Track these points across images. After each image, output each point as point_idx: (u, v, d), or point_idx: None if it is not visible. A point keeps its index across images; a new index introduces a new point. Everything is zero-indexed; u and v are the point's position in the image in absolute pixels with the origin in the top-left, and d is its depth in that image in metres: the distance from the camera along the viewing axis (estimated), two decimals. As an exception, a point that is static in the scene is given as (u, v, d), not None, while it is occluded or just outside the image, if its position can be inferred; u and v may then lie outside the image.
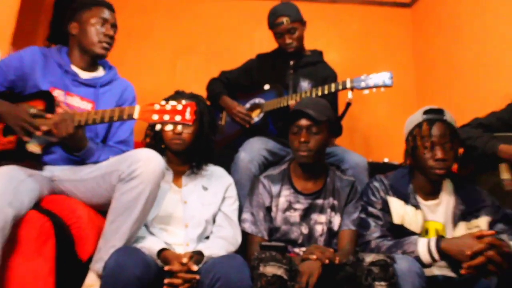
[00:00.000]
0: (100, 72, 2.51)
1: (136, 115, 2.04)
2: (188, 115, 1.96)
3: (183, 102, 1.97)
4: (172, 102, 1.99)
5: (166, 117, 1.97)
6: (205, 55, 4.30)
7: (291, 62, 3.10)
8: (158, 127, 2.01)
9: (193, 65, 4.30)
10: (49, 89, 2.32)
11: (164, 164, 2.10)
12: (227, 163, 2.74)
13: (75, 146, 2.23)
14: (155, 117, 1.98)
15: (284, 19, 3.00)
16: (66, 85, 2.36)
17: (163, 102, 2.00)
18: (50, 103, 2.25)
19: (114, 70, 2.56)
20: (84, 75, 2.44)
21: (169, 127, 1.99)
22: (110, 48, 2.44)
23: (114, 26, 2.45)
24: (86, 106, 2.37)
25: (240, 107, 3.03)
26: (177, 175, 2.46)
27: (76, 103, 2.36)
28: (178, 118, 1.97)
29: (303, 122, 2.40)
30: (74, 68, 2.42)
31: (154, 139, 2.48)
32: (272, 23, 3.05)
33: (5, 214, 1.85)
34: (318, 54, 3.23)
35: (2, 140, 2.21)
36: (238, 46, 4.28)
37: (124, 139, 2.47)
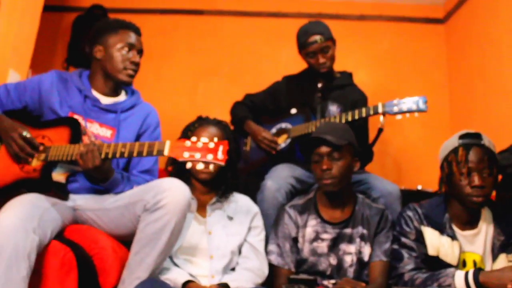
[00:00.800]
0: (122, 97, 2.53)
1: (166, 151, 2.05)
2: (220, 155, 1.97)
3: (215, 139, 2.00)
4: (204, 139, 2.01)
5: (197, 156, 1.98)
6: (228, 77, 4.35)
7: (320, 85, 3.11)
8: (188, 165, 2.01)
9: (215, 87, 4.35)
10: (68, 114, 2.38)
11: (190, 194, 2.14)
12: (253, 192, 2.76)
13: (100, 178, 2.26)
14: (186, 154, 1.99)
15: (318, 38, 3.01)
16: (85, 110, 2.40)
17: (194, 139, 2.01)
18: (76, 131, 2.28)
19: (137, 95, 2.58)
20: (105, 100, 2.47)
21: (200, 166, 1.99)
22: (135, 75, 2.47)
23: (140, 52, 2.48)
24: (106, 133, 2.41)
25: (265, 133, 3.04)
26: (202, 205, 2.49)
27: (95, 129, 2.39)
28: (209, 157, 1.98)
29: (323, 149, 2.43)
30: (95, 93, 2.46)
31: (178, 167, 2.52)
32: (304, 42, 3.04)
33: (32, 239, 1.91)
34: (347, 76, 3.25)
35: (26, 167, 2.26)
36: (263, 67, 4.32)
37: (149, 168, 2.50)
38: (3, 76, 2.98)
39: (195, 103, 4.32)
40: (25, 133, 2.24)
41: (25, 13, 3.17)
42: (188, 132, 2.53)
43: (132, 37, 2.44)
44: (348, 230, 2.47)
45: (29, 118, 2.41)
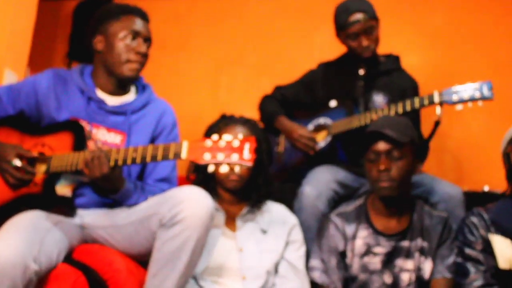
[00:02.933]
0: (131, 95, 2.53)
1: (184, 154, 2.04)
2: (247, 154, 1.95)
3: (240, 136, 1.98)
4: (227, 137, 1.99)
5: (221, 157, 1.97)
6: (255, 67, 4.36)
7: (362, 72, 3.11)
8: (211, 168, 2.00)
9: (240, 79, 4.37)
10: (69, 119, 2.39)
11: (213, 205, 2.13)
12: (289, 200, 2.76)
13: (110, 188, 2.26)
14: (207, 156, 1.98)
15: (360, 16, 2.99)
16: (90, 114, 2.40)
17: (215, 137, 2.00)
18: (80, 136, 2.28)
19: (148, 91, 2.57)
20: (112, 101, 2.47)
21: (224, 169, 1.98)
22: (142, 68, 2.46)
23: (148, 40, 2.46)
24: (115, 139, 2.41)
25: (302, 130, 3.04)
26: (230, 217, 2.51)
27: (102, 135, 2.40)
28: (235, 157, 1.96)
29: (382, 146, 2.41)
30: (100, 94, 2.45)
31: (202, 174, 2.53)
32: (344, 22, 3.02)
33: (32, 272, 1.92)
34: (394, 59, 3.22)
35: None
36: (295, 53, 4.31)
37: (166, 176, 2.49)
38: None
39: (217, 98, 4.36)
40: (16, 162, 2.25)
41: (20, 4, 3.21)
42: (211, 133, 2.54)
43: (137, 24, 2.43)
44: (405, 243, 2.46)
45: (26, 124, 2.43)
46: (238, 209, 2.53)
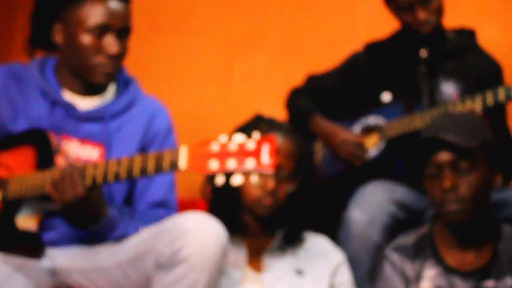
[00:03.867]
0: (109, 95, 2.51)
1: (183, 163, 2.03)
2: (266, 158, 1.94)
3: (255, 135, 1.98)
4: (238, 138, 1.99)
5: (232, 164, 1.96)
6: (279, 51, 4.33)
7: (424, 54, 3.10)
8: (219, 180, 1.99)
9: (259, 67, 4.35)
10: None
11: (226, 237, 2.14)
12: (330, 227, 2.77)
13: (87, 217, 2.23)
14: (214, 164, 1.97)
15: None
16: (56, 123, 2.38)
17: (224, 139, 2.00)
18: (45, 149, 2.27)
19: (133, 87, 2.55)
20: (84, 103, 2.45)
21: (237, 180, 1.98)
22: (117, 71, 2.44)
23: (124, 31, 2.40)
24: (91, 153, 2.40)
25: (346, 133, 3.04)
26: (255, 253, 2.54)
27: (74, 149, 2.39)
28: (250, 163, 1.95)
29: (444, 156, 2.40)
30: (68, 95, 2.44)
31: (222, 195, 2.54)
32: None
33: None
34: (467, 35, 3.20)
35: None
36: (332, 31, 4.27)
37: (162, 199, 2.48)
38: None
39: (229, 93, 4.33)
40: None
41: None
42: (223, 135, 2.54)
43: (106, 11, 2.35)
44: (489, 284, 2.43)
45: None
46: (265, 242, 2.57)
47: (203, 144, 2.01)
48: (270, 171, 1.96)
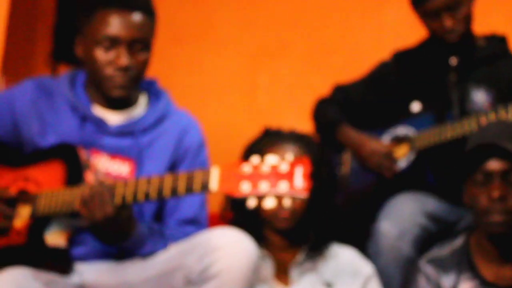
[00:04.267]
0: (140, 108, 2.50)
1: (214, 185, 2.04)
2: (299, 181, 1.93)
3: (288, 157, 1.96)
4: (271, 160, 1.98)
5: (264, 187, 1.95)
6: (305, 60, 4.35)
7: (453, 61, 3.08)
8: (251, 203, 2.00)
9: (285, 77, 4.36)
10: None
11: (257, 252, 2.13)
12: (359, 241, 2.75)
13: (116, 235, 2.24)
14: (246, 187, 1.97)
15: None
16: (86, 137, 2.38)
17: (256, 160, 1.99)
18: (74, 165, 2.28)
19: (164, 100, 2.53)
20: (114, 117, 2.44)
21: (269, 204, 1.97)
22: (132, 85, 2.40)
23: (136, 43, 2.35)
24: (120, 168, 2.40)
25: (375, 144, 3.03)
26: (282, 267, 2.52)
27: (103, 164, 2.39)
28: (283, 186, 1.94)
29: (495, 164, 2.37)
30: (98, 110, 2.44)
31: (241, 212, 2.53)
32: None
33: None
34: (498, 42, 3.17)
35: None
36: (357, 39, 4.29)
37: (192, 216, 2.46)
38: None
39: (254, 103, 4.36)
40: None
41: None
42: (251, 155, 2.49)
43: (113, 24, 2.33)
44: None
45: (2, 153, 2.43)
46: (292, 256, 2.54)
47: (234, 165, 2.02)
48: (303, 195, 1.95)
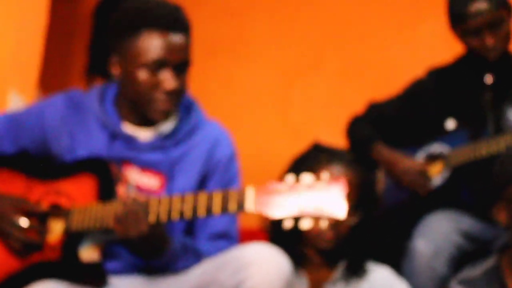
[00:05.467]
0: (171, 121, 2.46)
1: (250, 205, 2.04)
2: (337, 202, 1.94)
3: (324, 176, 1.96)
4: (307, 178, 1.98)
5: (301, 207, 1.96)
6: (339, 76, 4.37)
7: (489, 80, 3.08)
8: (288, 224, 1.99)
9: (319, 92, 4.38)
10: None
11: (290, 269, 2.12)
12: (393, 258, 2.75)
13: (150, 251, 2.24)
14: (283, 208, 1.98)
15: (483, 6, 2.96)
16: (116, 154, 2.38)
17: (291, 179, 1.99)
18: (106, 179, 2.28)
19: (195, 112, 2.49)
20: (144, 134, 2.42)
21: (306, 224, 1.97)
22: (177, 106, 2.39)
23: (182, 65, 2.33)
24: (151, 182, 2.39)
25: (409, 161, 3.04)
26: (316, 285, 2.53)
27: (134, 177, 2.38)
28: (320, 207, 1.95)
29: None
30: (127, 127, 2.42)
31: (280, 229, 2.52)
32: (460, 14, 3.01)
33: None
34: None
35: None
36: (392, 56, 4.30)
37: (223, 230, 2.44)
38: (1, 101, 3.09)
39: (288, 119, 4.37)
40: (22, 222, 2.27)
41: (27, 6, 3.28)
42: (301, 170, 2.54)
43: (163, 46, 2.28)
44: None
45: (33, 165, 2.44)
46: (327, 274, 2.55)
47: (270, 185, 2.01)
48: (341, 216, 1.94)
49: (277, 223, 2.47)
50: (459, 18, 3.02)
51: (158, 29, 2.27)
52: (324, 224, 1.98)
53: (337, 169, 2.54)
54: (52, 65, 3.78)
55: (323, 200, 1.94)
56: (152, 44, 2.26)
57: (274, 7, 4.53)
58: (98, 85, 2.58)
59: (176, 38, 2.29)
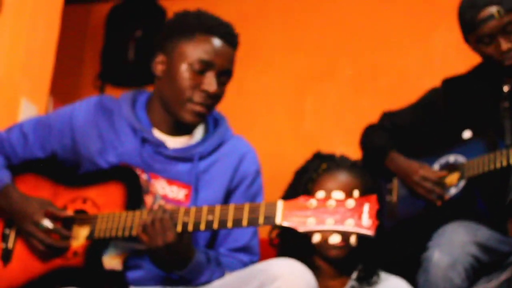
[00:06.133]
0: (198, 134, 2.52)
1: (279, 218, 2.04)
2: (366, 220, 1.93)
3: (355, 194, 1.96)
4: (337, 195, 1.98)
5: (329, 222, 1.96)
6: (353, 84, 4.37)
7: (506, 88, 3.07)
8: (316, 238, 1.99)
9: (332, 101, 4.38)
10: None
11: (315, 284, 2.13)
12: (408, 270, 2.73)
13: (176, 262, 2.24)
14: (312, 222, 1.98)
15: (494, 10, 2.93)
16: (145, 160, 2.41)
17: (322, 195, 1.99)
18: (134, 188, 2.30)
19: (223, 127, 2.56)
20: (174, 142, 2.46)
21: (335, 239, 1.97)
22: (209, 113, 2.45)
23: (225, 73, 2.41)
24: (178, 193, 2.41)
25: (424, 171, 3.02)
26: None
27: (161, 188, 2.41)
28: (350, 223, 1.95)
29: None
30: (158, 134, 2.46)
31: (290, 237, 2.54)
32: (472, 21, 2.98)
33: None
34: None
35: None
36: (406, 64, 4.29)
37: (245, 244, 2.48)
38: (13, 109, 3.14)
39: (301, 127, 4.37)
40: (46, 223, 2.29)
41: (39, 13, 3.30)
42: (301, 182, 2.56)
43: (212, 49, 2.37)
44: None
45: (61, 171, 2.47)
46: (340, 284, 2.55)
47: (299, 200, 2.01)
48: (370, 233, 1.94)
49: (290, 232, 2.50)
50: (471, 26, 3.01)
51: (212, 35, 2.38)
52: (352, 241, 1.97)
53: (341, 176, 2.54)
54: (64, 73, 3.80)
55: (353, 217, 1.95)
56: (203, 46, 2.36)
57: (287, 14, 4.57)
58: (109, 92, 2.59)
59: (225, 47, 2.40)
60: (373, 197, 1.95)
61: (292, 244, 2.54)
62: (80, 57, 4.57)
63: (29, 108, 3.17)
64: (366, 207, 1.94)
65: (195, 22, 2.40)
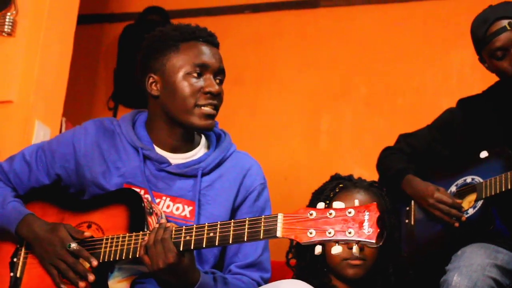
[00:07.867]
0: (201, 149, 2.53)
1: (279, 231, 2.01)
2: (368, 227, 1.91)
3: (356, 201, 1.97)
4: (337, 205, 1.97)
5: (331, 233, 1.94)
6: (368, 103, 4.37)
7: None
8: (317, 250, 1.96)
9: (348, 122, 4.38)
10: (121, 186, 2.42)
11: None
12: None
13: (181, 283, 2.21)
14: (312, 233, 1.96)
15: (505, 23, 2.95)
16: (149, 179, 2.41)
17: (321, 205, 1.98)
18: (137, 210, 2.29)
19: (226, 141, 2.56)
20: (176, 159, 2.47)
21: (337, 250, 1.94)
22: (217, 113, 2.44)
23: (220, 73, 2.45)
24: (182, 211, 2.42)
25: (441, 193, 3.00)
26: None
27: (166, 207, 2.41)
28: (351, 233, 1.93)
29: None
30: (160, 151, 2.47)
31: (307, 257, 2.55)
32: (484, 35, 3.00)
33: None
34: None
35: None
36: (422, 84, 4.28)
37: (255, 260, 2.45)
38: (27, 130, 3.14)
39: (317, 146, 4.35)
40: (73, 245, 2.28)
41: (52, 35, 3.32)
42: (323, 203, 2.54)
43: (202, 52, 2.41)
44: None
45: (65, 198, 2.48)
46: None
47: (299, 211, 2.00)
48: (372, 241, 1.92)
49: (306, 251, 2.50)
50: (483, 41, 3.02)
51: (195, 41, 2.42)
52: (355, 251, 1.97)
53: (358, 195, 2.56)
54: (77, 94, 3.82)
55: (354, 226, 1.94)
56: (192, 52, 2.39)
57: (302, 34, 4.56)
58: (122, 113, 2.60)
59: (211, 48, 2.44)
60: (373, 205, 1.93)
61: (308, 264, 2.55)
62: (93, 78, 4.59)
63: (42, 129, 3.18)
64: (366, 216, 1.93)
65: (175, 34, 2.43)
